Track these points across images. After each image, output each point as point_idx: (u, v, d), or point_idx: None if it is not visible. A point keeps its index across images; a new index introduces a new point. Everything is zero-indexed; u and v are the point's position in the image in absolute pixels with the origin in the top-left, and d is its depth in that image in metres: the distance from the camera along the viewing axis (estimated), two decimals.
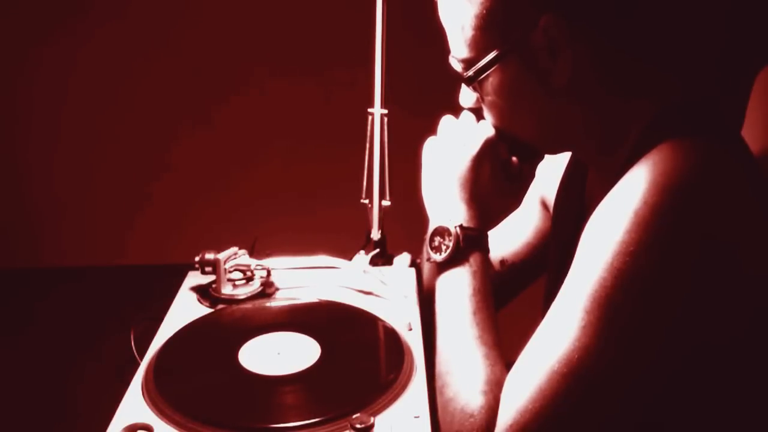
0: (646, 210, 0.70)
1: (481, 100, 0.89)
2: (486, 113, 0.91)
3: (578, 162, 1.00)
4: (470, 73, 0.84)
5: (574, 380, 0.71)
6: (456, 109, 0.99)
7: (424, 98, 1.73)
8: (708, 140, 0.74)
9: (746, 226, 0.73)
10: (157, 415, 0.82)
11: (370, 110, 1.25)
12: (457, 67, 0.87)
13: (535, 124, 0.87)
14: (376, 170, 1.25)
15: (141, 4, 2.03)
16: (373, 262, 1.17)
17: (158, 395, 0.85)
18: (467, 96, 0.92)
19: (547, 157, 1.10)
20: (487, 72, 0.83)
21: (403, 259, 1.26)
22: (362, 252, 1.19)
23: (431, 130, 1.02)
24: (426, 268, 1.16)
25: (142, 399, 0.85)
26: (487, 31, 0.81)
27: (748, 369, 0.75)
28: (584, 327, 0.71)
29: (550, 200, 1.07)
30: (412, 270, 1.19)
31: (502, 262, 1.14)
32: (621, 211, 0.71)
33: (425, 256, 0.89)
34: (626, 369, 0.71)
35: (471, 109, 0.94)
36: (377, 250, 1.21)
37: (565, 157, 1.04)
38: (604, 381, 0.71)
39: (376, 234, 1.25)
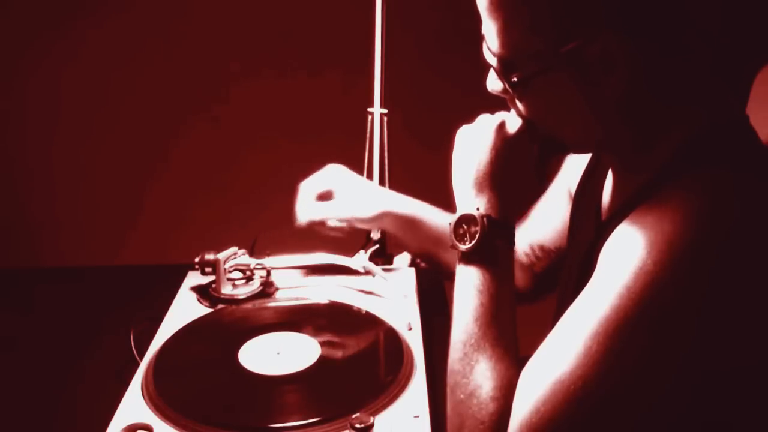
0: (675, 237, 0.69)
1: (510, 91, 0.82)
2: (515, 103, 0.84)
3: (599, 159, 0.98)
4: (512, 79, 0.78)
5: (587, 400, 0.70)
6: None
7: (424, 98, 1.74)
8: (745, 174, 0.73)
9: None
10: (156, 415, 0.82)
11: (370, 110, 1.25)
12: (492, 60, 0.81)
13: (568, 127, 0.83)
14: (376, 170, 1.25)
15: (137, 4, 2.02)
16: (373, 259, 1.17)
17: (158, 395, 0.85)
18: (495, 82, 0.84)
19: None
20: (528, 77, 0.77)
21: (403, 258, 1.26)
22: (362, 251, 1.19)
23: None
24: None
25: (142, 399, 0.85)
26: (536, 36, 0.75)
27: (762, 393, 0.74)
28: (599, 349, 0.70)
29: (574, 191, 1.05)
30: (412, 270, 1.19)
31: (532, 248, 1.12)
32: (646, 236, 0.70)
33: (449, 243, 0.87)
34: (639, 396, 0.70)
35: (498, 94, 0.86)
36: (377, 245, 1.21)
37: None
38: (616, 403, 0.70)
39: (375, 233, 1.25)
